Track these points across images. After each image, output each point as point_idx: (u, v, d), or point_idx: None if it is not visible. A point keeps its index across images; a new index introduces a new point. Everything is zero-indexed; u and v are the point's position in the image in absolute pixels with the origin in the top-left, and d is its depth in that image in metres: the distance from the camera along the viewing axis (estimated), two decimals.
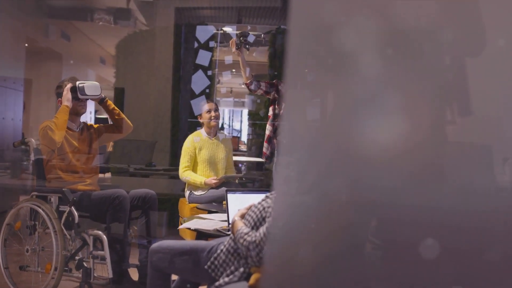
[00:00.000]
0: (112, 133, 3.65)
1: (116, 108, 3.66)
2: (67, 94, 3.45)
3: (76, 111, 3.53)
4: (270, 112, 4.34)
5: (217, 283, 2.17)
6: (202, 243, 2.45)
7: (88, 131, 3.64)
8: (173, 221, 5.03)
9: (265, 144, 4.34)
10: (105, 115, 3.81)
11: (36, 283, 3.36)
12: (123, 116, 3.67)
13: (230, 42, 4.27)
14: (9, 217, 3.47)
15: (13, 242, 3.48)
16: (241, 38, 4.18)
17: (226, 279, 2.15)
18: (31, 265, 3.41)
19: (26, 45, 7.56)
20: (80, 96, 3.45)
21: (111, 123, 3.70)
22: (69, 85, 3.46)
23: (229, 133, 13.13)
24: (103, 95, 3.61)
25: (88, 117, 10.64)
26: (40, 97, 8.21)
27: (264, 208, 2.14)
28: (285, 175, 1.14)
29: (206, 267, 2.24)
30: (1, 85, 6.50)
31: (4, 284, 3.44)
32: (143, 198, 3.49)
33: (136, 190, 3.53)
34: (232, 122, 14.34)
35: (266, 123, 4.40)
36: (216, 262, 2.23)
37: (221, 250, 2.24)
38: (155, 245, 2.45)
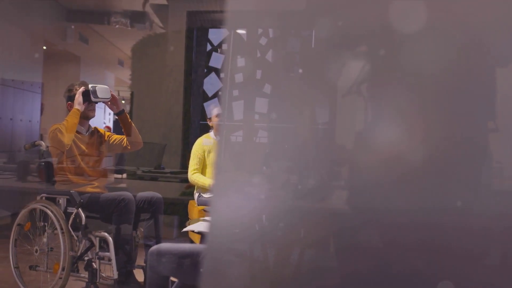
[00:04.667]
0: (122, 146, 3.70)
1: (132, 122, 3.72)
2: (78, 98, 3.50)
3: (86, 115, 3.59)
4: None
5: None
6: (200, 246, 2.48)
7: (98, 135, 3.70)
8: (183, 223, 5.07)
9: None
10: None
11: (45, 283, 3.43)
12: (137, 132, 3.72)
13: None
14: (20, 217, 3.55)
15: (24, 242, 3.56)
16: None
17: None
18: (40, 265, 3.49)
19: (45, 48, 7.70)
20: (93, 99, 3.50)
21: (124, 135, 3.75)
22: (81, 89, 3.51)
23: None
24: (122, 107, 3.67)
25: (107, 118, 10.78)
26: (58, 100, 8.33)
27: None
28: (224, 177, 1.16)
29: (202, 270, 2.27)
30: (19, 87, 6.64)
31: (14, 283, 3.53)
32: (149, 200, 3.54)
33: (142, 192, 3.58)
34: None
35: None
36: None
37: None
38: (154, 247, 2.49)
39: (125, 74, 9.70)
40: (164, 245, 2.48)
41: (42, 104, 7.35)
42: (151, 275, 2.49)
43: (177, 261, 2.41)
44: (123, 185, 5.41)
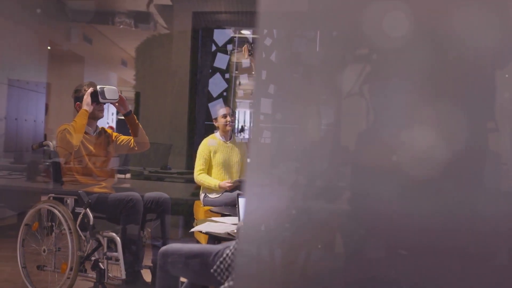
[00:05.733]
0: (129, 147, 3.72)
1: (139, 123, 3.73)
2: (87, 99, 3.51)
3: (95, 115, 3.60)
4: None
5: (222, 287, 2.20)
6: (209, 246, 2.50)
7: (105, 135, 3.71)
8: (189, 223, 5.10)
9: None
10: None
11: (52, 283, 3.45)
12: (144, 133, 3.73)
13: (243, 48, 4.33)
14: (27, 217, 3.56)
15: (31, 242, 3.57)
16: (253, 45, 4.24)
17: (231, 283, 2.19)
18: (48, 265, 3.50)
19: (49, 48, 7.72)
20: (101, 100, 3.52)
21: (131, 136, 3.76)
22: (90, 90, 3.52)
23: (250, 135, 13.15)
24: (129, 108, 3.69)
25: (110, 118, 10.79)
26: (62, 100, 8.37)
27: None
28: (255, 178, 1.17)
29: (212, 270, 2.29)
30: (24, 87, 6.66)
31: (22, 283, 3.54)
32: (157, 201, 3.55)
33: (150, 193, 3.59)
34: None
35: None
36: (222, 266, 2.27)
37: (227, 254, 2.28)
38: (164, 248, 2.50)
39: (128, 75, 9.72)
40: (174, 246, 2.50)
41: (46, 104, 7.37)
42: (161, 275, 2.50)
43: (187, 261, 2.43)
44: (127, 185, 5.43)
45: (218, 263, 2.28)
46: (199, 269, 2.40)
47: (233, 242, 2.33)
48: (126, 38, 8.40)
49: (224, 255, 2.29)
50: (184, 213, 5.03)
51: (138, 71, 6.89)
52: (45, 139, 7.09)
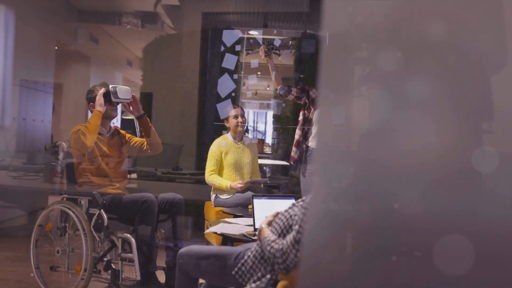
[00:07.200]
0: (142, 149, 3.72)
1: (151, 126, 3.73)
2: (100, 99, 3.51)
3: (108, 115, 3.61)
4: (301, 117, 4.41)
5: None
6: (229, 248, 2.49)
7: (118, 136, 3.71)
8: (199, 224, 5.10)
9: (293, 148, 4.41)
10: (131, 116, 3.90)
11: (66, 283, 3.45)
12: (156, 135, 3.73)
13: (260, 49, 4.35)
14: (41, 218, 3.56)
15: (44, 242, 3.57)
16: (269, 46, 4.26)
17: (253, 285, 2.19)
18: (61, 265, 3.50)
19: (56, 48, 7.72)
20: (113, 100, 3.52)
21: (142, 137, 3.75)
22: (102, 90, 3.52)
23: (253, 136, 13.17)
24: (142, 111, 3.69)
25: (115, 118, 10.77)
26: (69, 99, 8.37)
27: (290, 216, 2.17)
28: (319, 182, 1.16)
29: (233, 272, 2.28)
30: (32, 87, 6.66)
31: (35, 284, 3.54)
32: (171, 202, 3.55)
33: (163, 194, 3.59)
34: (257, 124, 14.41)
35: (289, 127, 4.46)
36: (243, 268, 2.27)
37: (248, 256, 2.28)
38: (183, 249, 2.50)
39: (133, 75, 9.72)
40: (193, 247, 2.50)
41: (53, 104, 7.38)
42: (180, 277, 2.50)
43: (206, 262, 2.42)
44: (133, 185, 5.42)
45: (239, 265, 2.28)
46: (218, 270, 2.39)
47: (254, 244, 2.33)
48: (132, 38, 8.39)
49: (246, 257, 2.28)
50: (194, 214, 5.03)
51: (146, 72, 6.89)
52: (52, 139, 7.09)
